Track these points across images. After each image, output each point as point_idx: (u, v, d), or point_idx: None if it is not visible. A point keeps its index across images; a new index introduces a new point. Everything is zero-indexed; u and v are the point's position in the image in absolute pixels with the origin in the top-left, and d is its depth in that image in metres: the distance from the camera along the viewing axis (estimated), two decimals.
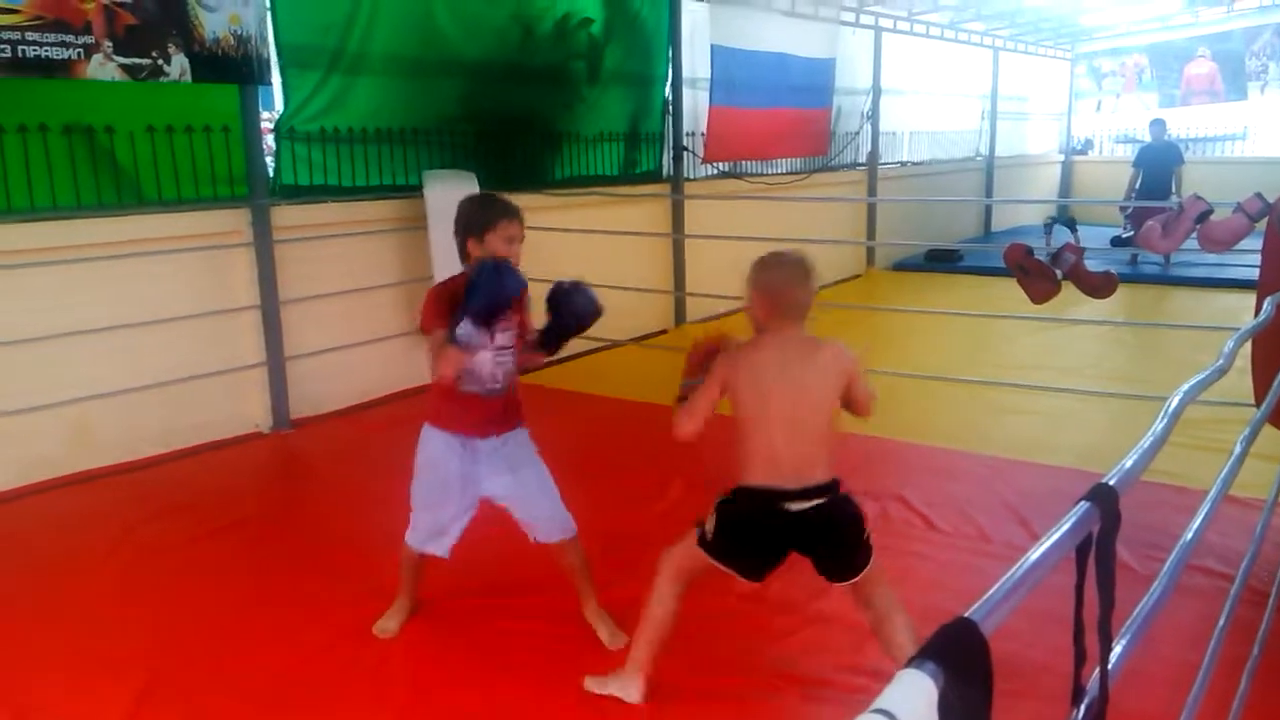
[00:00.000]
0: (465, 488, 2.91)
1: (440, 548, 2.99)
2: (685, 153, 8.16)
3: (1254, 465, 2.41)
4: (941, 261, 10.98)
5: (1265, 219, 4.21)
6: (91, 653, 2.98)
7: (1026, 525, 3.83)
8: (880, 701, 0.72)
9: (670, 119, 8.10)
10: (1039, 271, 4.53)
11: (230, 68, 4.80)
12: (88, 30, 4.23)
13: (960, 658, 0.81)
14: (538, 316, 2.95)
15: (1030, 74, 14.47)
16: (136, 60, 4.41)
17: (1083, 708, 1.21)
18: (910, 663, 0.78)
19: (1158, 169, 10.66)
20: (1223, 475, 1.91)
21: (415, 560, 3.07)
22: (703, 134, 8.31)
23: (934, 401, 5.61)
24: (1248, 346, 3.36)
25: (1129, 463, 1.32)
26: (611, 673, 2.69)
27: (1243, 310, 6.06)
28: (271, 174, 5.43)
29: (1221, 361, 2.05)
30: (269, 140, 5.55)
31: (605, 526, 3.22)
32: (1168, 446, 1.49)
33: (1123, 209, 10.94)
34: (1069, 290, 4.58)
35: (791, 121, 9.29)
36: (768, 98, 8.76)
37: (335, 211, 5.68)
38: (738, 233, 7.64)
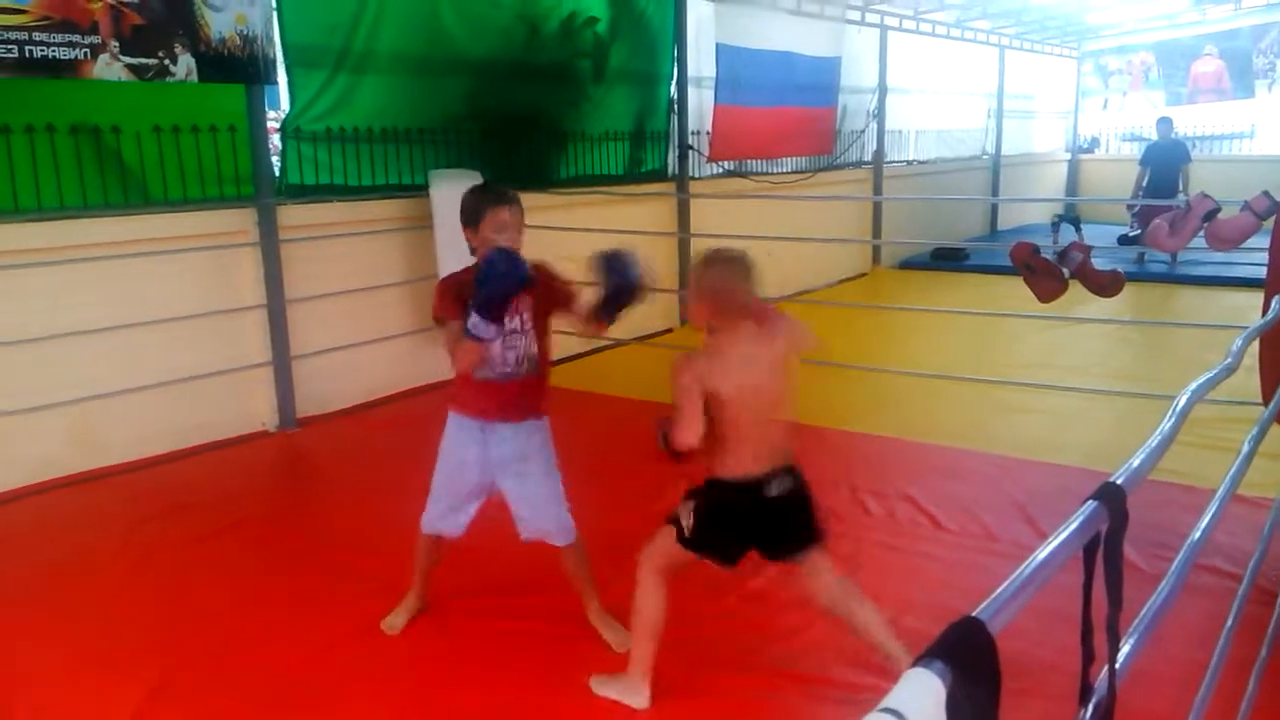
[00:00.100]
0: (481, 471, 2.93)
1: (452, 527, 3.01)
2: (690, 151, 8.15)
3: (1262, 464, 2.41)
4: (947, 260, 10.95)
5: (1273, 217, 4.20)
6: (99, 652, 2.99)
7: (1034, 524, 3.82)
8: (888, 700, 0.72)
9: (675, 118, 8.09)
10: (1046, 270, 4.52)
11: (236, 67, 4.81)
12: (94, 30, 4.24)
13: (968, 657, 0.81)
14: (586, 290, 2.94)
15: (1036, 72, 14.44)
16: (143, 60, 4.42)
17: (1090, 707, 1.21)
18: (918, 661, 0.78)
19: (1165, 167, 10.63)
20: (1231, 474, 1.90)
21: (429, 546, 3.09)
22: (708, 133, 8.31)
23: (940, 401, 5.60)
24: (1255, 345, 3.35)
25: (1137, 462, 1.32)
26: (615, 675, 2.69)
27: (1250, 309, 6.03)
28: (277, 173, 5.44)
29: (1230, 360, 2.04)
30: (275, 140, 5.56)
31: (609, 525, 3.21)
32: (1175, 445, 1.49)
33: (1129, 207, 10.91)
34: (1076, 289, 4.58)
35: (797, 120, 9.29)
36: (773, 96, 8.75)
37: (341, 211, 5.68)
38: (743, 232, 7.63)
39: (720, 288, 2.45)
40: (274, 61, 5.09)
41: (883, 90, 10.68)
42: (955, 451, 4.76)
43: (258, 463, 4.93)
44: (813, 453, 4.77)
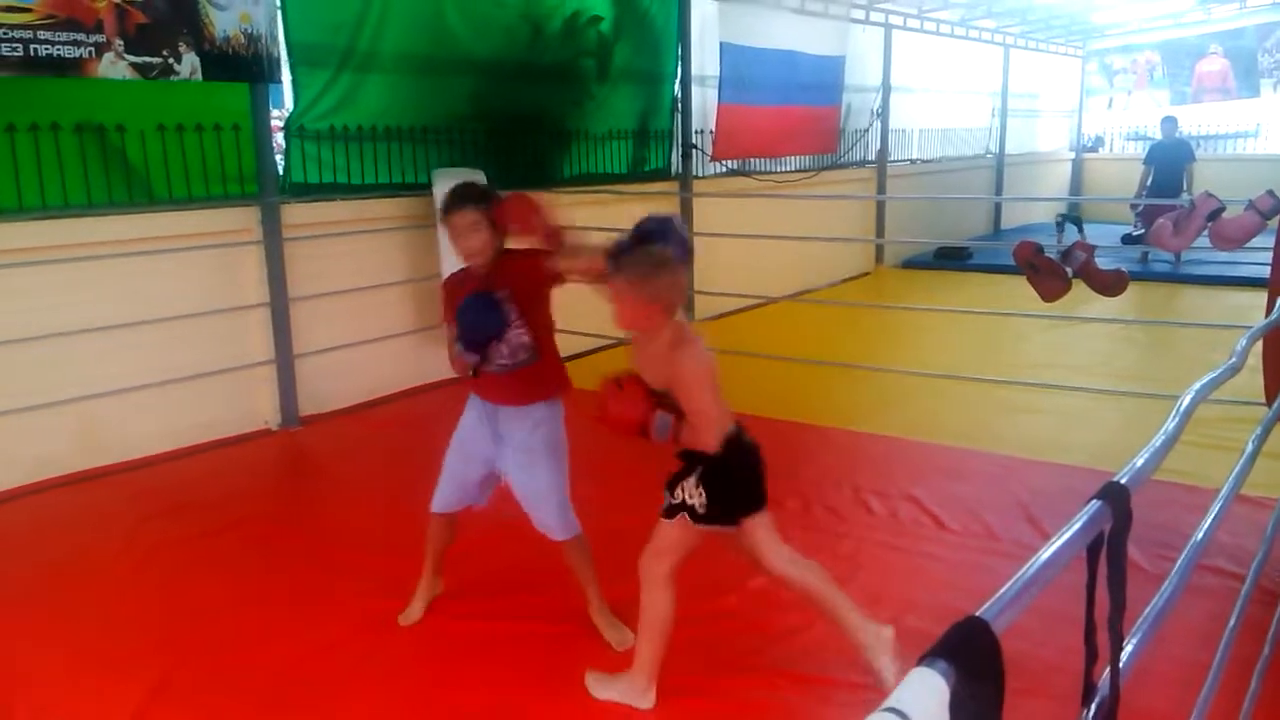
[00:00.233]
0: (490, 449, 2.97)
1: (461, 502, 3.06)
2: (694, 150, 8.15)
3: (1265, 464, 2.41)
4: (951, 259, 10.94)
5: (1277, 216, 4.19)
6: (101, 651, 2.99)
7: (1037, 524, 3.81)
8: (892, 700, 0.72)
9: (679, 117, 8.09)
10: (1050, 269, 4.52)
11: (241, 66, 4.81)
12: (99, 29, 4.25)
13: (972, 656, 0.81)
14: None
15: (1041, 71, 14.42)
16: (147, 59, 4.43)
17: (1094, 706, 1.21)
18: (922, 661, 0.78)
19: (1169, 166, 10.62)
20: (1234, 474, 1.90)
21: (439, 527, 3.10)
22: (712, 132, 8.31)
23: (944, 400, 5.59)
24: (1259, 345, 3.34)
25: (1140, 461, 1.32)
26: (617, 675, 2.68)
27: (1254, 308, 6.03)
28: (281, 172, 5.44)
29: (1234, 360, 2.04)
30: (279, 138, 5.56)
31: (611, 525, 3.21)
32: (1179, 445, 1.48)
33: (1134, 207, 10.90)
34: (1080, 288, 4.57)
35: (801, 119, 9.28)
36: (777, 95, 8.75)
37: (345, 209, 5.69)
38: (747, 231, 7.66)
39: (676, 287, 2.50)
40: (278, 60, 5.10)
41: (887, 89, 10.67)
42: (958, 451, 4.75)
43: (260, 461, 4.94)
44: (816, 452, 4.80)
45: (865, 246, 10.69)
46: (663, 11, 7.75)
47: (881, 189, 10.77)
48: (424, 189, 5.94)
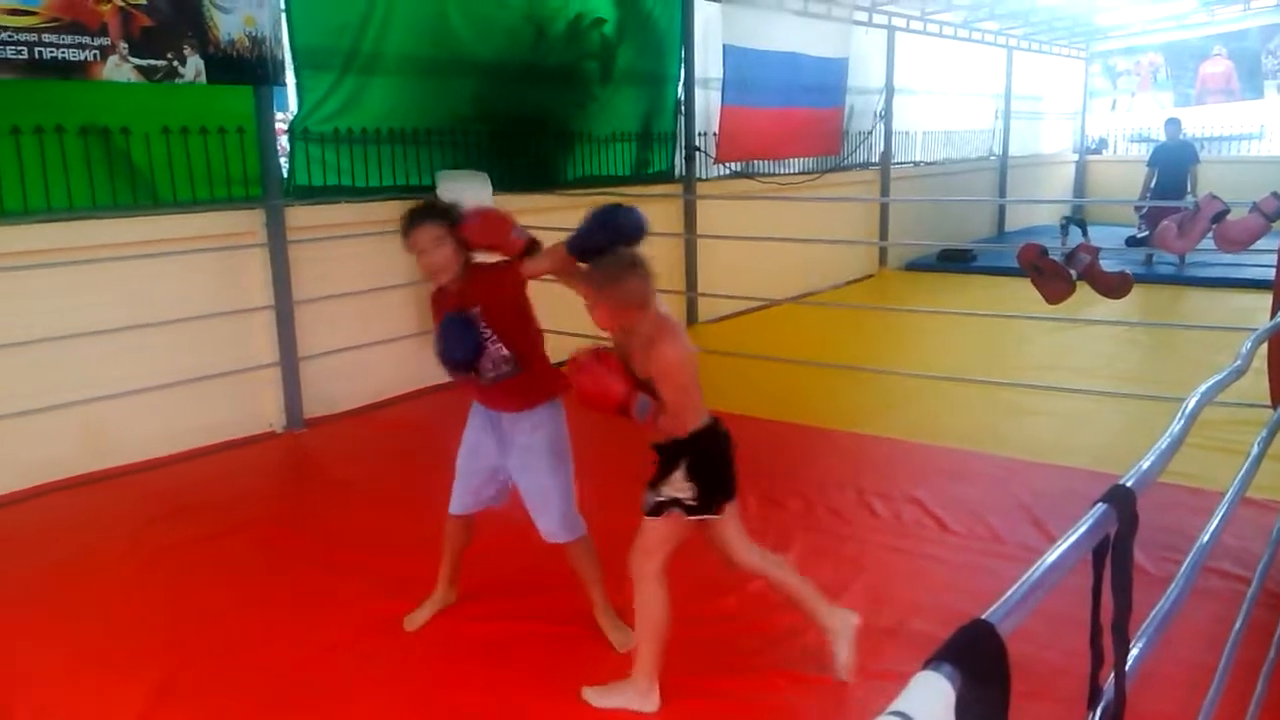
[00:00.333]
0: (496, 450, 2.99)
1: (478, 504, 3.08)
2: (697, 152, 8.15)
3: (1271, 467, 2.40)
4: (955, 262, 10.93)
5: None
6: (106, 652, 3.00)
7: (1041, 527, 3.81)
8: (898, 703, 0.72)
9: (682, 119, 8.09)
10: (1053, 272, 4.51)
11: (245, 69, 4.82)
12: (104, 32, 4.26)
13: (978, 660, 0.81)
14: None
15: (1044, 73, 14.41)
16: (152, 62, 4.44)
17: (1099, 710, 1.21)
18: (928, 665, 0.78)
19: (1173, 168, 10.60)
20: (1240, 477, 1.90)
21: (455, 529, 3.11)
22: (715, 134, 8.31)
23: (948, 402, 5.59)
24: (1265, 347, 3.33)
25: (1146, 464, 1.32)
26: (615, 683, 2.67)
27: (1259, 310, 6.03)
28: (285, 175, 5.45)
29: (1239, 362, 2.03)
30: (283, 141, 5.57)
31: (613, 525, 3.21)
32: (1184, 448, 1.48)
33: (1138, 209, 10.88)
34: (1084, 290, 4.56)
35: (804, 121, 9.28)
36: (780, 97, 8.75)
37: (349, 212, 5.70)
38: (750, 233, 7.66)
39: (644, 285, 2.55)
40: (282, 63, 5.10)
41: (890, 91, 10.67)
42: (962, 453, 4.75)
43: (265, 464, 4.95)
44: (819, 454, 4.80)
45: (869, 249, 10.69)
46: (666, 14, 7.75)
47: (885, 191, 10.77)
48: (428, 191, 5.94)
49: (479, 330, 2.82)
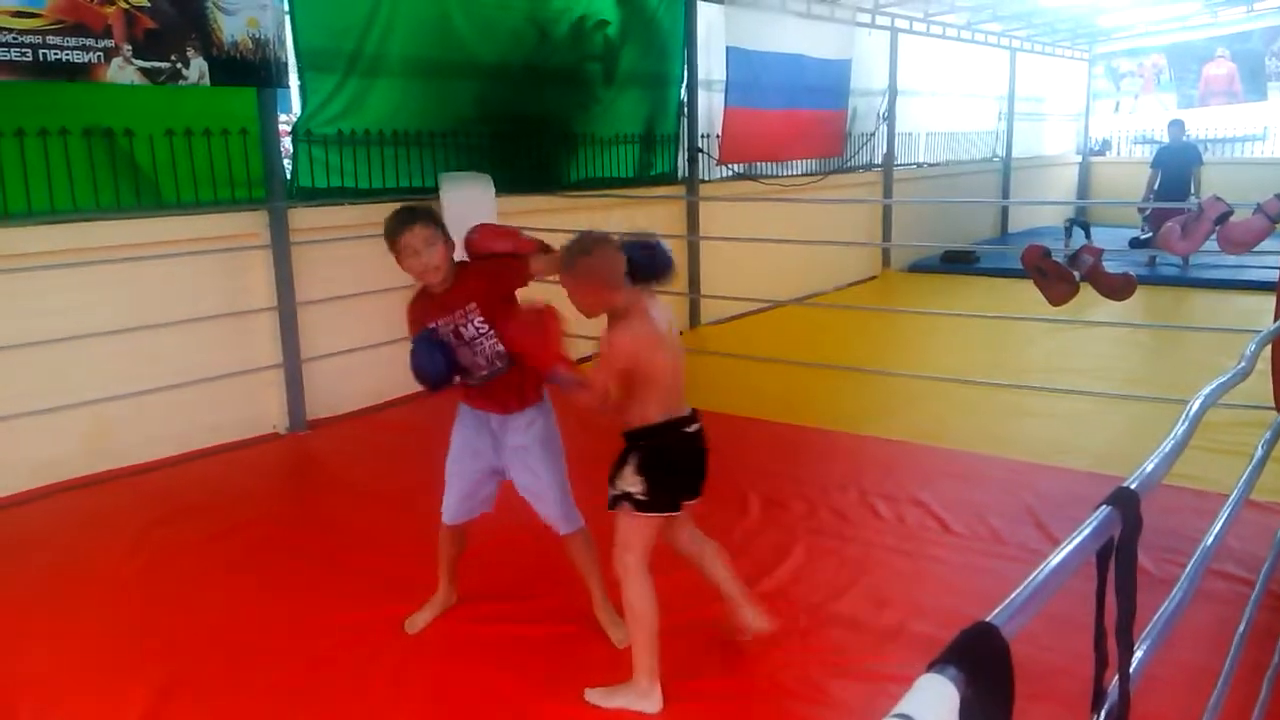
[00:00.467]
0: (488, 454, 3.00)
1: (468, 513, 3.07)
2: (700, 154, 8.16)
3: (1275, 469, 2.40)
4: (958, 263, 10.92)
5: None
6: (110, 653, 3.00)
7: (1044, 529, 3.80)
8: (902, 706, 0.72)
9: (685, 120, 8.10)
10: (1057, 273, 4.50)
11: (248, 71, 4.82)
12: (108, 34, 4.26)
13: (982, 662, 0.81)
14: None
15: (1047, 75, 14.39)
16: (156, 64, 4.44)
17: (1103, 713, 1.21)
18: (932, 667, 0.78)
19: (1176, 170, 10.59)
20: (1243, 479, 1.90)
21: (449, 536, 3.11)
22: (718, 136, 8.31)
23: (950, 404, 5.58)
24: (1269, 349, 3.33)
25: (1150, 467, 1.31)
26: (617, 685, 2.67)
27: (1262, 312, 6.01)
28: (289, 176, 5.46)
29: (1243, 364, 2.03)
30: (286, 143, 5.58)
31: (609, 523, 3.21)
32: (1188, 450, 1.48)
33: (1141, 210, 10.87)
34: (1087, 292, 4.55)
35: (807, 123, 9.28)
36: (783, 99, 8.75)
37: (352, 214, 5.69)
38: (753, 234, 7.66)
39: (612, 268, 2.54)
40: (286, 65, 5.11)
41: (893, 93, 10.66)
42: (965, 455, 4.74)
43: (268, 465, 4.95)
44: (822, 456, 4.80)
45: (872, 250, 10.68)
46: (669, 15, 7.76)
47: (888, 192, 10.76)
48: (431, 193, 5.95)
49: (447, 352, 2.84)
